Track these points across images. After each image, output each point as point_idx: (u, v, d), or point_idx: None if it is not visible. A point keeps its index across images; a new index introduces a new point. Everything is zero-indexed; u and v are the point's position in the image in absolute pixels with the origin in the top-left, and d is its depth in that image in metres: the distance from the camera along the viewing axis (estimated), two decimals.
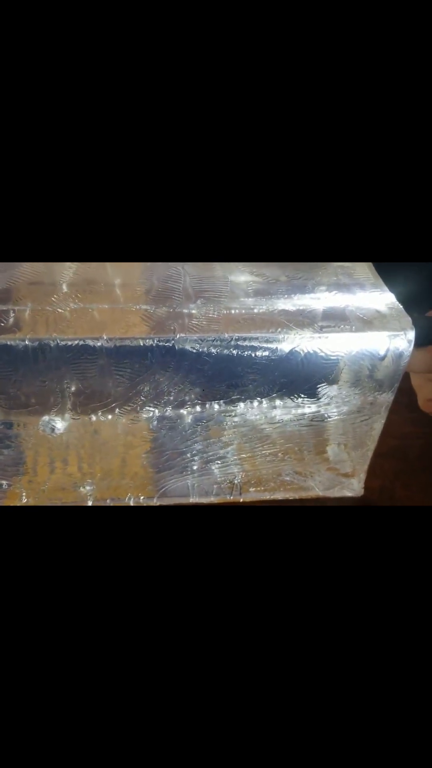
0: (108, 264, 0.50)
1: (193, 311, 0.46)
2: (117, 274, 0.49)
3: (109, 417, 0.49)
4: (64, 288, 0.47)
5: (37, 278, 0.48)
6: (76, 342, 0.44)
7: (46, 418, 0.49)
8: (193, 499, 0.55)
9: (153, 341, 0.44)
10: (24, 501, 0.53)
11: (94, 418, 0.49)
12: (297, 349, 0.47)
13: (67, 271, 0.49)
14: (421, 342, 0.50)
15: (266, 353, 0.47)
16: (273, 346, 0.46)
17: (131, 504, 0.55)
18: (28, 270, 0.49)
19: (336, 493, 0.57)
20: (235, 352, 0.46)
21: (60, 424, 0.50)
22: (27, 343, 0.44)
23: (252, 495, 0.56)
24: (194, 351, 0.45)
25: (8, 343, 0.44)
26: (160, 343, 0.45)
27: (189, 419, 0.51)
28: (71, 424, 0.50)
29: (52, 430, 0.50)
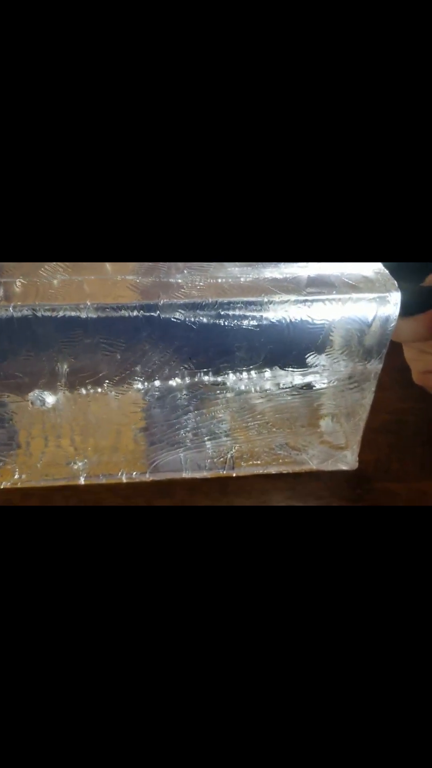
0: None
1: (179, 281, 0.46)
2: None
3: (99, 390, 0.50)
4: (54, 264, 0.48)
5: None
6: (63, 312, 0.45)
7: (36, 391, 0.50)
8: (186, 474, 0.55)
9: (138, 309, 0.44)
10: (17, 477, 0.53)
11: (84, 391, 0.50)
12: (283, 315, 0.47)
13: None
14: (411, 311, 0.50)
15: (252, 321, 0.47)
16: (259, 313, 0.46)
17: (124, 480, 0.55)
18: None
19: (330, 466, 0.57)
20: (221, 321, 0.46)
21: (50, 398, 0.50)
22: (13, 312, 0.44)
23: (245, 469, 0.56)
24: (180, 320, 0.46)
25: None
26: (146, 313, 0.45)
27: (179, 392, 0.51)
28: (62, 398, 0.50)
29: (43, 402, 0.50)
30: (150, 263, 0.48)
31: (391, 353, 0.51)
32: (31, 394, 0.50)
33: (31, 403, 0.50)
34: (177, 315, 0.45)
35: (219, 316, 0.46)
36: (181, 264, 0.49)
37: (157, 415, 0.52)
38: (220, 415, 0.53)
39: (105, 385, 0.49)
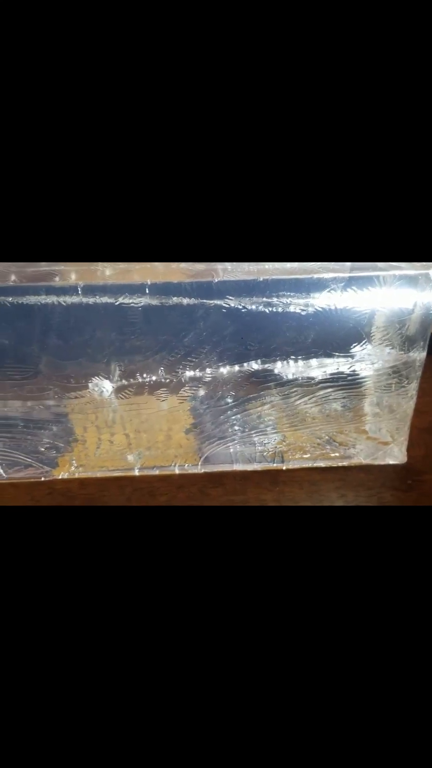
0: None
1: (228, 267, 0.50)
2: None
3: (150, 384, 0.52)
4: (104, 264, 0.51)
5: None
6: (119, 299, 0.48)
7: (95, 379, 0.53)
8: (237, 467, 0.56)
9: (192, 289, 0.47)
10: (74, 468, 0.55)
11: (136, 386, 0.52)
12: (328, 301, 0.49)
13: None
14: None
15: (298, 307, 0.49)
16: (305, 299, 0.49)
17: (177, 471, 0.56)
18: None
19: (378, 460, 0.57)
20: (269, 308, 0.49)
21: (109, 386, 0.53)
22: (70, 300, 0.48)
23: (294, 462, 0.57)
24: (229, 306, 0.49)
25: (54, 301, 0.48)
26: (199, 299, 0.48)
27: (227, 386, 0.53)
28: (116, 391, 0.53)
29: (102, 391, 0.53)
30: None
31: None
32: (90, 383, 0.53)
33: (91, 391, 0.53)
34: (228, 299, 0.48)
35: (268, 304, 0.49)
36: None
37: (206, 410, 0.54)
38: (267, 409, 0.55)
39: (156, 379, 0.52)
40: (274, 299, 0.49)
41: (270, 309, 0.49)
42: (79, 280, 0.48)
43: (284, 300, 0.49)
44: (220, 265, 0.50)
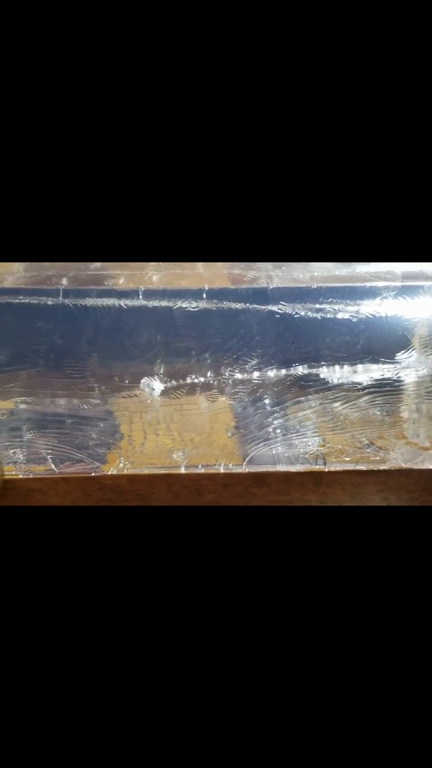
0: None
1: (279, 274, 0.51)
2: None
3: (201, 380, 0.54)
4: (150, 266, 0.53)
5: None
6: (177, 303, 0.49)
7: (146, 378, 0.54)
8: (280, 468, 0.58)
9: (248, 293, 0.49)
10: (122, 464, 0.57)
11: (180, 387, 0.54)
12: (377, 308, 0.51)
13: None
14: None
15: (347, 314, 0.51)
16: (355, 306, 0.50)
17: (221, 471, 0.58)
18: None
19: (419, 464, 0.59)
20: (320, 315, 0.51)
21: (158, 385, 0.54)
22: (123, 303, 0.49)
23: (336, 465, 0.58)
24: (282, 312, 0.50)
25: (114, 303, 0.49)
26: (253, 304, 0.50)
27: (270, 388, 0.54)
28: (161, 391, 0.54)
29: (152, 390, 0.55)
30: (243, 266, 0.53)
31: None
32: (141, 383, 0.54)
33: (141, 390, 0.55)
34: (282, 304, 0.50)
35: (319, 310, 0.50)
36: (270, 263, 0.53)
37: (249, 412, 0.56)
38: (310, 413, 0.56)
39: (204, 380, 0.54)
40: (326, 306, 0.50)
41: (321, 315, 0.50)
42: (130, 283, 0.49)
43: (336, 306, 0.50)
44: (271, 272, 0.51)
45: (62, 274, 0.51)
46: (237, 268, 0.52)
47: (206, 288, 0.48)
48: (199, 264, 0.52)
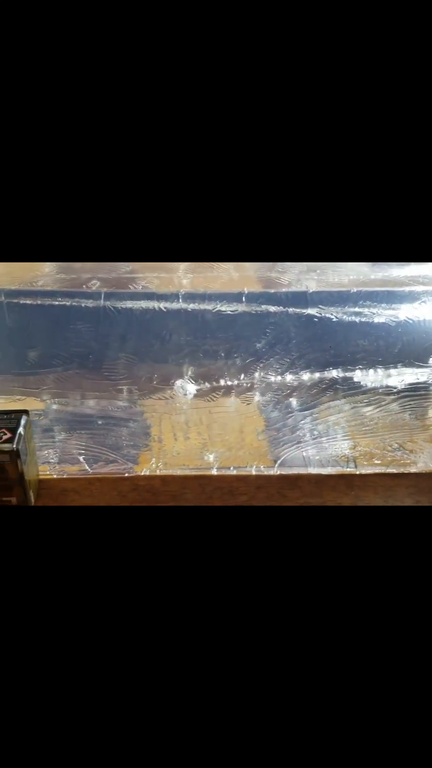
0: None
1: (315, 278, 0.51)
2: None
3: (236, 382, 0.54)
4: (182, 268, 0.53)
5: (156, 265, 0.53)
6: (217, 306, 0.50)
7: (180, 381, 0.54)
8: (311, 470, 0.58)
9: (287, 296, 0.49)
10: (154, 465, 0.57)
11: (209, 389, 0.54)
12: (414, 314, 0.51)
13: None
14: None
15: (383, 318, 0.51)
16: (394, 311, 0.51)
17: (253, 472, 0.58)
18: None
19: None
20: (358, 319, 0.51)
21: (192, 387, 0.55)
22: (157, 305, 0.49)
23: (367, 468, 0.58)
24: (321, 316, 0.50)
25: (154, 306, 0.50)
26: (295, 308, 0.50)
27: (301, 391, 0.55)
28: (191, 394, 0.54)
29: (185, 392, 0.55)
30: (279, 269, 0.54)
31: None
32: (176, 384, 0.55)
33: (175, 392, 0.55)
34: (321, 307, 0.50)
35: (358, 314, 0.50)
36: (305, 266, 0.53)
37: (278, 415, 0.56)
38: (341, 416, 0.56)
39: (238, 383, 0.54)
40: (365, 309, 0.50)
41: (360, 319, 0.50)
42: (165, 286, 0.50)
43: (374, 310, 0.50)
44: (308, 276, 0.51)
45: (95, 277, 0.51)
46: (270, 271, 0.52)
47: (245, 291, 0.48)
48: (230, 265, 0.53)
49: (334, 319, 0.50)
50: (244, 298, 0.49)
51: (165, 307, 0.49)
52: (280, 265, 0.53)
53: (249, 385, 0.54)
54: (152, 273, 0.51)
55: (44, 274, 0.53)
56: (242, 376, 0.54)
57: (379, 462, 0.58)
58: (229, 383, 0.54)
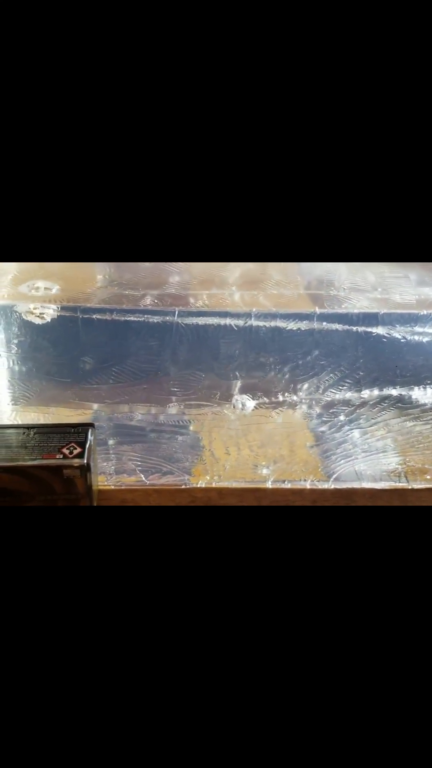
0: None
1: (351, 295, 0.51)
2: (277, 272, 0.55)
3: (295, 398, 0.54)
4: (230, 282, 0.53)
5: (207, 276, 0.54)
6: (288, 324, 0.50)
7: (237, 395, 0.54)
8: (365, 484, 0.58)
9: (359, 317, 0.49)
10: (209, 478, 0.57)
11: (280, 398, 0.54)
12: None
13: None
14: None
15: (424, 338, 0.51)
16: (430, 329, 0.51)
17: (307, 486, 0.58)
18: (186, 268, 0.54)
19: None
20: (426, 339, 0.51)
21: (250, 403, 0.55)
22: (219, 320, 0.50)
23: (420, 483, 0.59)
24: (390, 335, 0.50)
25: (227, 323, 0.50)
26: (355, 326, 0.50)
27: (351, 407, 0.55)
28: (241, 410, 0.55)
29: (243, 407, 0.55)
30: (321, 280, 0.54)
31: None
32: (233, 399, 0.55)
33: (233, 406, 0.55)
34: (391, 327, 0.50)
35: (428, 335, 0.51)
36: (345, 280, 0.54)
37: (328, 430, 0.56)
38: (393, 433, 0.57)
39: (297, 399, 0.54)
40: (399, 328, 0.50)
41: (428, 339, 0.51)
42: (209, 302, 0.50)
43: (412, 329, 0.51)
44: (342, 292, 0.51)
45: (147, 293, 0.51)
46: (317, 288, 0.52)
47: (317, 311, 0.48)
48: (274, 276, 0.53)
49: (403, 340, 0.50)
50: (315, 318, 0.49)
51: (236, 325, 0.49)
52: (336, 280, 0.53)
53: (306, 401, 0.55)
54: (200, 290, 0.51)
55: (92, 285, 0.53)
56: (301, 393, 0.54)
57: (430, 477, 0.59)
58: (289, 399, 0.55)
